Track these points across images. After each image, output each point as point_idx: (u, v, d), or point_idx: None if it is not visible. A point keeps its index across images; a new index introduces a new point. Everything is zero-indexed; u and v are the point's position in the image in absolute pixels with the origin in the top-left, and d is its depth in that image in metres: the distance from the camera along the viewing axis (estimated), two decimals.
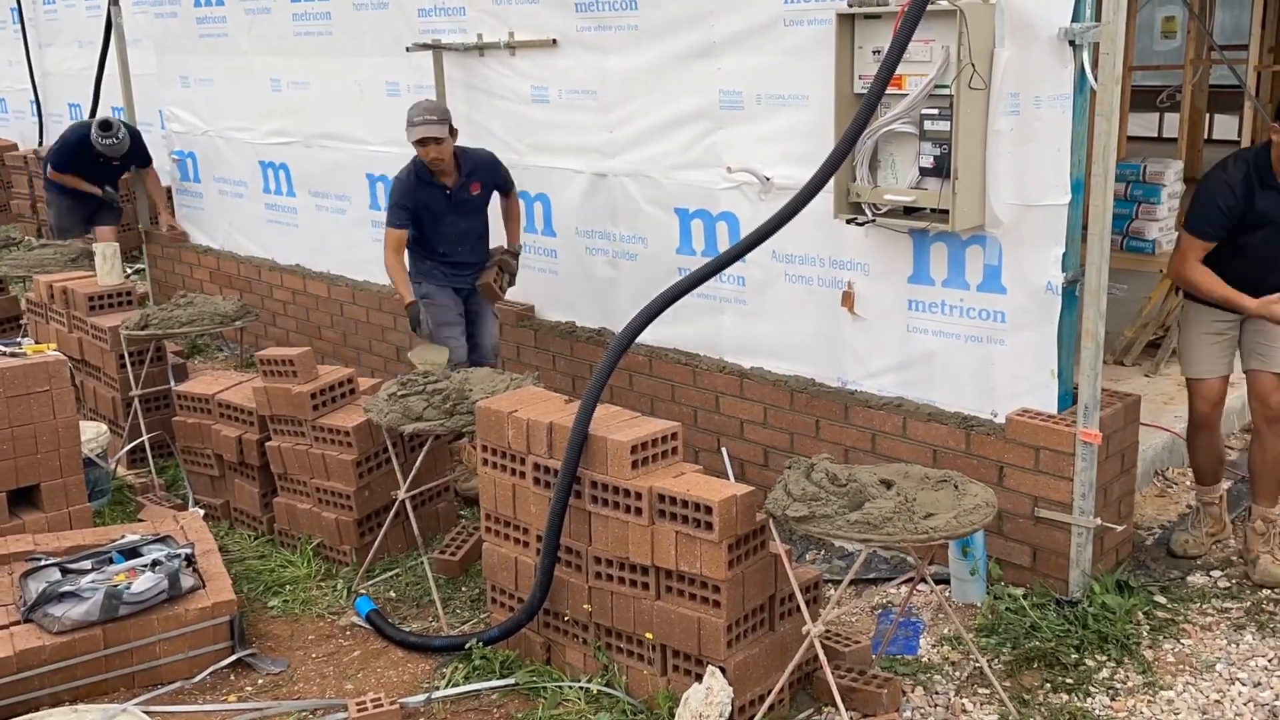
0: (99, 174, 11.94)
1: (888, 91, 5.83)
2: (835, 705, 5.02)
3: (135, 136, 11.87)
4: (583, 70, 7.84)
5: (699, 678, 5.16)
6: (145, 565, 6.04)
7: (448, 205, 7.77)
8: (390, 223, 7.74)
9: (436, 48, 8.63)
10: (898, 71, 5.78)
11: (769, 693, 5.24)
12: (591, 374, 8.05)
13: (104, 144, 11.40)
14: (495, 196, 8.03)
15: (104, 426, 8.12)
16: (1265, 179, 6.03)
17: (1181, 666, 5.64)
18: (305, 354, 7.13)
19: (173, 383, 8.32)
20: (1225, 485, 6.76)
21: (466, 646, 5.84)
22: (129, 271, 11.76)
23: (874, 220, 6.31)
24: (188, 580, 6.05)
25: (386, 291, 9.69)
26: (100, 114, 12.28)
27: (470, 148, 7.93)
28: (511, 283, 8.10)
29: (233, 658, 6.04)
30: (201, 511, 7.33)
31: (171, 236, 12.26)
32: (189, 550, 6.26)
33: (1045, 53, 5.73)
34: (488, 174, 7.93)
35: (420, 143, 7.48)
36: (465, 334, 8.07)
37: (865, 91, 6.13)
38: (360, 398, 7.24)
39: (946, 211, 5.95)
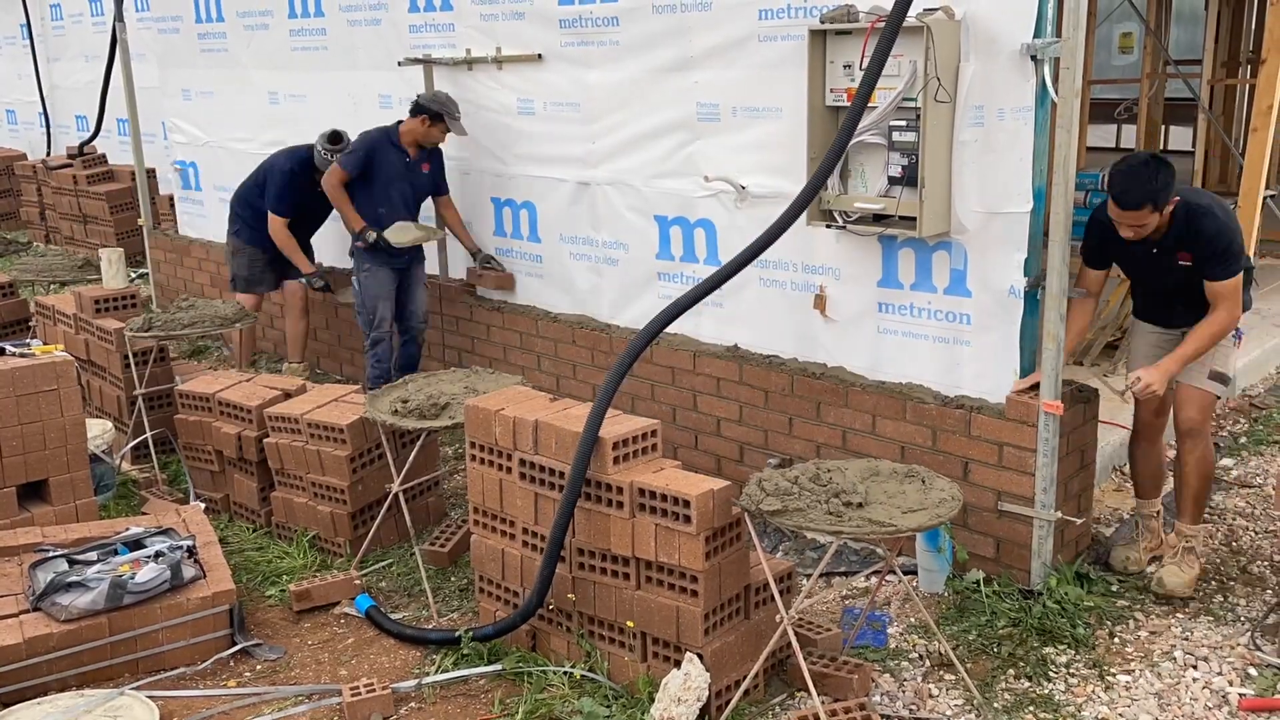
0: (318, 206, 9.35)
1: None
2: (808, 690, 5.01)
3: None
4: (567, 84, 7.84)
5: (678, 664, 5.16)
6: (148, 556, 6.03)
7: (403, 171, 8.50)
8: (343, 163, 8.45)
9: (427, 62, 8.62)
10: None
11: (744, 678, 5.23)
12: (575, 374, 8.12)
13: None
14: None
15: (109, 424, 8.10)
16: None
17: (1138, 653, 5.65)
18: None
19: (177, 381, 8.31)
20: (1159, 501, 6.55)
21: (457, 635, 5.83)
22: (133, 276, 11.75)
23: (844, 227, 6.32)
24: (189, 571, 6.04)
25: None
26: (112, 121, 11.80)
27: None
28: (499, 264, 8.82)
29: (234, 649, 6.03)
30: (202, 505, 7.31)
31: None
32: (190, 542, 6.25)
33: (1008, 67, 5.73)
34: (437, 161, 8.72)
35: (445, 131, 8.33)
36: (396, 304, 8.78)
37: (836, 104, 6.16)
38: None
39: (914, 218, 5.95)
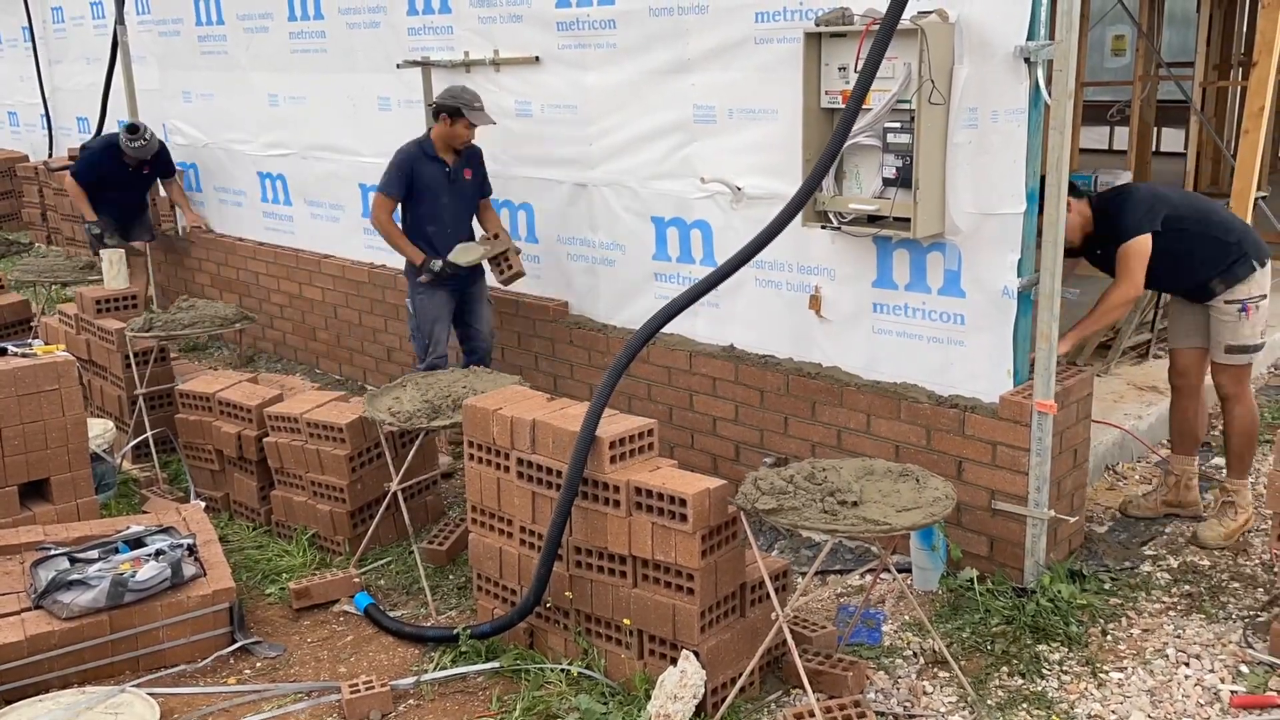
0: (124, 182, 11.09)
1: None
2: (803, 687, 5.02)
3: (162, 145, 11.21)
4: (564, 86, 7.83)
5: (674, 661, 5.15)
6: (149, 555, 6.03)
7: (445, 182, 7.84)
8: (383, 189, 7.85)
9: (426, 64, 8.61)
10: None
11: (740, 675, 5.23)
12: (572, 374, 8.11)
13: (133, 147, 10.61)
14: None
15: (110, 423, 8.09)
16: None
17: (1131, 651, 5.65)
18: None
19: (178, 381, 8.32)
20: (1194, 460, 6.87)
21: (455, 633, 5.83)
22: None
23: (839, 228, 6.32)
24: (189, 569, 6.04)
25: (378, 295, 9.68)
26: (113, 124, 12.02)
27: None
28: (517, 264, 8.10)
29: (234, 646, 6.03)
30: (202, 504, 7.29)
31: (195, 233, 11.69)
32: (191, 540, 6.25)
33: (1002, 69, 5.73)
34: (478, 164, 8.05)
35: (470, 125, 7.70)
36: (460, 324, 8.21)
37: (832, 106, 6.16)
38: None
39: (908, 219, 5.95)
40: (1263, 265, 6.37)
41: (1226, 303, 6.34)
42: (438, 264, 7.80)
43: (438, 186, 7.87)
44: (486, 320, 8.30)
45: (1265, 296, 6.41)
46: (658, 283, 7.62)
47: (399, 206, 7.93)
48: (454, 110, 7.67)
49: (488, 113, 7.79)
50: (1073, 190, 6.19)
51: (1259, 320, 6.40)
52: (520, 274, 8.08)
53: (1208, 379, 6.69)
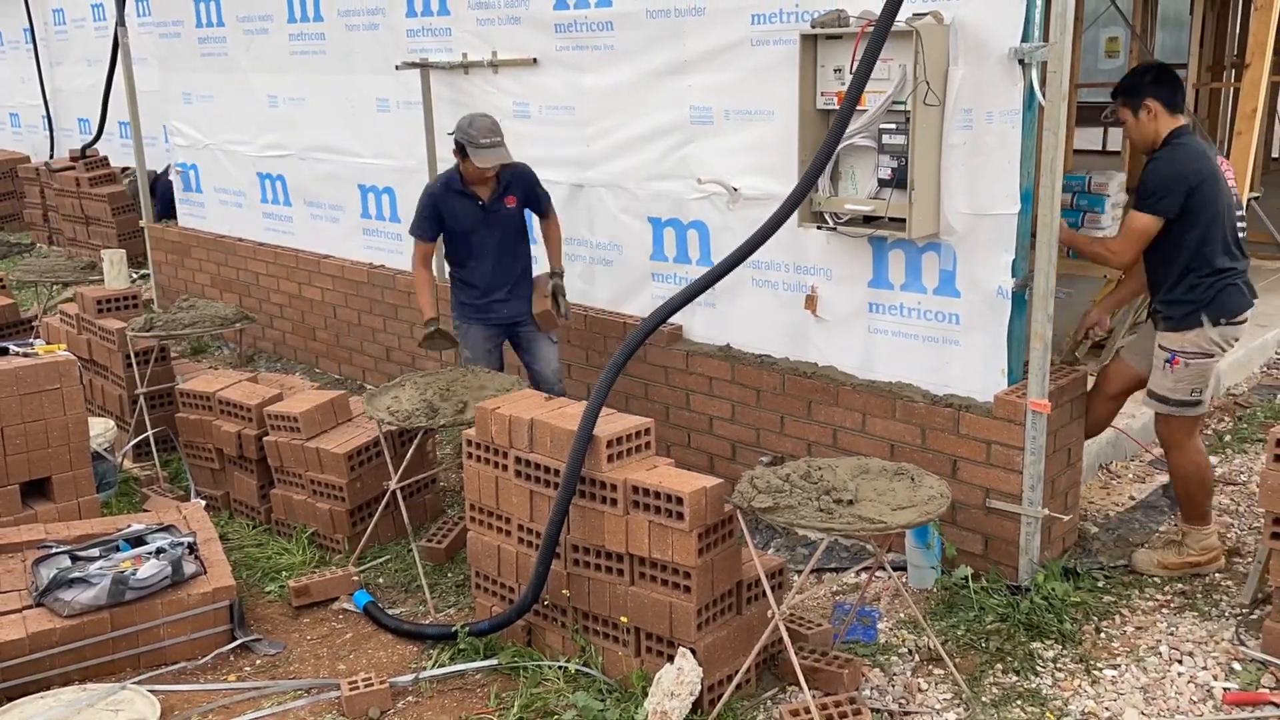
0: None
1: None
2: (799, 684, 5.01)
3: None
4: (562, 87, 7.83)
5: (671, 658, 5.15)
6: (150, 553, 6.03)
7: (479, 214, 7.14)
8: (414, 233, 7.24)
9: (424, 66, 8.61)
10: None
11: (736, 673, 5.24)
12: (570, 374, 8.10)
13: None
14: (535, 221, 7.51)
15: (111, 422, 8.09)
16: None
17: (1124, 648, 5.65)
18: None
19: (178, 380, 8.31)
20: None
21: (454, 631, 5.83)
22: (134, 277, 11.74)
23: (835, 228, 6.32)
24: (190, 567, 6.04)
25: (377, 295, 9.68)
26: (114, 124, 11.85)
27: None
28: (565, 308, 7.39)
29: (234, 644, 6.03)
30: (203, 502, 7.29)
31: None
32: (191, 539, 6.25)
33: (996, 71, 5.74)
34: (522, 187, 7.27)
35: (482, 165, 6.90)
36: (524, 365, 7.59)
37: (827, 107, 6.16)
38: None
39: (903, 220, 5.95)
40: (1215, 325, 5.92)
41: (1160, 347, 6.06)
42: (430, 328, 7.16)
43: (471, 221, 7.15)
44: (548, 360, 7.49)
45: (1210, 356, 5.98)
46: (655, 283, 7.62)
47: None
48: (460, 146, 6.95)
49: (506, 146, 6.95)
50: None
51: (1184, 377, 5.98)
52: (557, 325, 7.42)
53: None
